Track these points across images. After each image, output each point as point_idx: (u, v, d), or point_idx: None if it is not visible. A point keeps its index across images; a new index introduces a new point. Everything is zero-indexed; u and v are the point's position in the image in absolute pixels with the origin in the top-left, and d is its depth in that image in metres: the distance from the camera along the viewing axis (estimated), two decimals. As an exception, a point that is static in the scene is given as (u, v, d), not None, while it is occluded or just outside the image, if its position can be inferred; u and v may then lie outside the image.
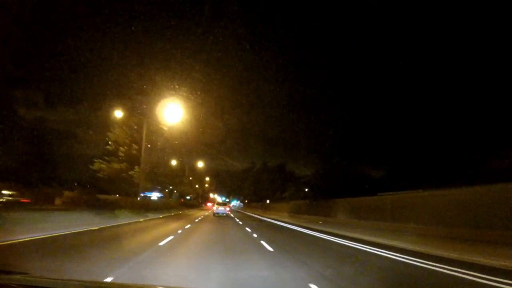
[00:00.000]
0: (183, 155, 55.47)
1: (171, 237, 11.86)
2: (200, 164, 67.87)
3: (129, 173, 25.20)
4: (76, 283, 2.83)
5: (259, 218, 36.93)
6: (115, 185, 30.13)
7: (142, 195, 56.99)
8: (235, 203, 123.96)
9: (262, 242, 12.02)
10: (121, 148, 24.62)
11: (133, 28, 18.70)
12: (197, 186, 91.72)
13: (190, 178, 79.94)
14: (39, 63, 25.49)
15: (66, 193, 39.21)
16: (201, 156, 65.80)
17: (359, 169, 34.66)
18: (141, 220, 20.68)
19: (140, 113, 27.84)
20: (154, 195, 59.90)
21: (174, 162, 55.54)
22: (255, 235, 14.75)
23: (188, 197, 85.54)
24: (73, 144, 32.13)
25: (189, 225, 18.64)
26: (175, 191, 71.49)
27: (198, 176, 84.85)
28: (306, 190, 52.48)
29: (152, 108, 27.14)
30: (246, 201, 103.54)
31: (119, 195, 36.68)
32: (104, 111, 26.15)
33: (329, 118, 38.62)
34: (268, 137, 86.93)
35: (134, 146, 25.50)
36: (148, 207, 33.69)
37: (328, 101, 39.58)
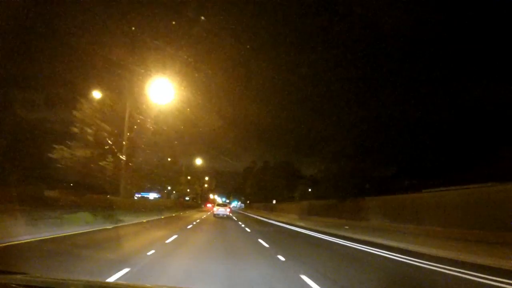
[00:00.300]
0: (179, 152, 50.44)
1: (123, 272, 5.75)
2: (199, 161, 61.70)
3: (100, 163, 19.07)
4: (76, 283, 2.87)
5: (266, 222, 30.82)
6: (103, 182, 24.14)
7: (138, 195, 52.15)
8: (235, 204, 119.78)
9: (306, 279, 5.97)
10: (88, 130, 18.48)
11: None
12: (196, 186, 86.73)
13: (189, 177, 74.99)
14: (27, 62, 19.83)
15: (48, 192, 33.64)
16: (199, 155, 60.88)
17: (386, 166, 28.76)
18: (109, 227, 14.57)
19: (124, 92, 22.07)
20: (152, 196, 57.20)
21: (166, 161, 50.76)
22: (281, 258, 8.60)
23: (187, 198, 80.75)
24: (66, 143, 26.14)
25: (175, 236, 12.53)
26: (174, 192, 67.09)
27: (197, 175, 79.84)
28: (310, 190, 46.83)
29: (139, 88, 21.58)
30: (248, 201, 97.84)
31: (110, 195, 30.96)
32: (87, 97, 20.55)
33: (348, 108, 33.09)
34: (270, 134, 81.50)
35: (106, 126, 19.38)
36: (135, 208, 27.59)
37: (343, 89, 34.32)
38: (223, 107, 35.10)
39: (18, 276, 2.55)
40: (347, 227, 23.44)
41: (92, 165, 18.51)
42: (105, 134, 19.32)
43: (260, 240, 12.63)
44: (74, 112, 18.87)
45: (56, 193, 35.35)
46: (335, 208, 29.78)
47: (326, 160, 37.34)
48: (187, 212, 45.41)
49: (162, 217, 27.37)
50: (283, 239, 14.72)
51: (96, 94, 21.12)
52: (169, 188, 64.84)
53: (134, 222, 18.97)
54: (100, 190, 29.44)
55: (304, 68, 34.52)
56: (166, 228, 17.14)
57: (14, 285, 2.23)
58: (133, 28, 19.50)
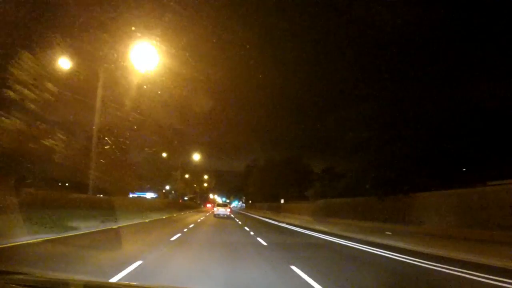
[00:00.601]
0: (176, 149, 46.02)
1: None
2: (196, 157, 55.50)
3: (44, 142, 13.07)
4: (76, 282, 2.79)
5: (279, 226, 24.86)
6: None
7: (132, 195, 46.80)
8: (236, 204, 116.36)
9: None
10: (27, 92, 12.46)
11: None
12: (195, 185, 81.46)
13: (187, 175, 69.72)
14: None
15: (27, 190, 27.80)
16: (199, 154, 55.84)
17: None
18: (41, 239, 8.60)
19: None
20: (149, 195, 53.77)
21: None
22: None
23: (185, 198, 75.43)
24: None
25: (137, 264, 6.53)
26: (172, 192, 63.05)
27: (196, 173, 74.36)
28: (321, 187, 40.79)
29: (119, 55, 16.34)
30: (250, 201, 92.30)
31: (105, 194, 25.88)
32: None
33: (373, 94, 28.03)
34: (271, 130, 75.88)
35: (50, 87, 13.37)
36: (116, 209, 21.63)
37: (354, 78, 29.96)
38: (223, 104, 31.46)
39: (18, 276, 2.53)
40: (389, 232, 17.55)
41: (31, 145, 12.51)
42: (52, 98, 13.30)
43: (298, 272, 6.65)
44: (13, 71, 12.86)
45: (31, 191, 29.66)
46: (365, 208, 23.85)
47: (348, 151, 31.58)
48: (182, 213, 39.43)
49: (147, 220, 21.38)
50: (339, 266, 8.66)
51: (64, 63, 15.48)
52: (167, 187, 60.62)
53: (96, 229, 13.00)
54: (98, 190, 24.57)
55: (307, 65, 30.96)
56: (136, 241, 11.18)
57: (13, 285, 2.21)
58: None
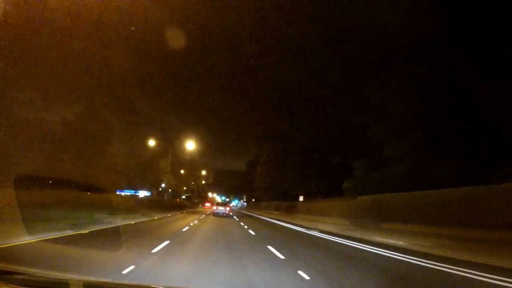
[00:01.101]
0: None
1: None
2: (191, 146, 45.37)
3: None
4: (76, 282, 2.73)
5: (324, 240, 15.26)
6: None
7: (121, 193, 38.84)
8: (235, 203, 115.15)
9: None
10: None
11: None
12: (193, 183, 73.28)
13: (182, 171, 61.43)
14: None
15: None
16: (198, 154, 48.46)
17: None
18: None
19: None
20: (142, 193, 50.47)
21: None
22: None
23: (183, 196, 69.94)
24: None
25: None
26: (170, 190, 58.70)
27: (192, 168, 66.01)
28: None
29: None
30: (253, 199, 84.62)
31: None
32: None
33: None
34: (269, 128, 66.44)
35: None
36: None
37: None
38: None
39: (18, 276, 2.52)
40: None
41: None
42: None
43: None
44: None
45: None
46: (464, 206, 14.11)
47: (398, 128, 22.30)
48: (171, 215, 29.79)
49: (102, 228, 11.64)
50: None
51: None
52: (163, 185, 54.01)
53: None
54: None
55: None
56: None
57: (14, 285, 2.21)
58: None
